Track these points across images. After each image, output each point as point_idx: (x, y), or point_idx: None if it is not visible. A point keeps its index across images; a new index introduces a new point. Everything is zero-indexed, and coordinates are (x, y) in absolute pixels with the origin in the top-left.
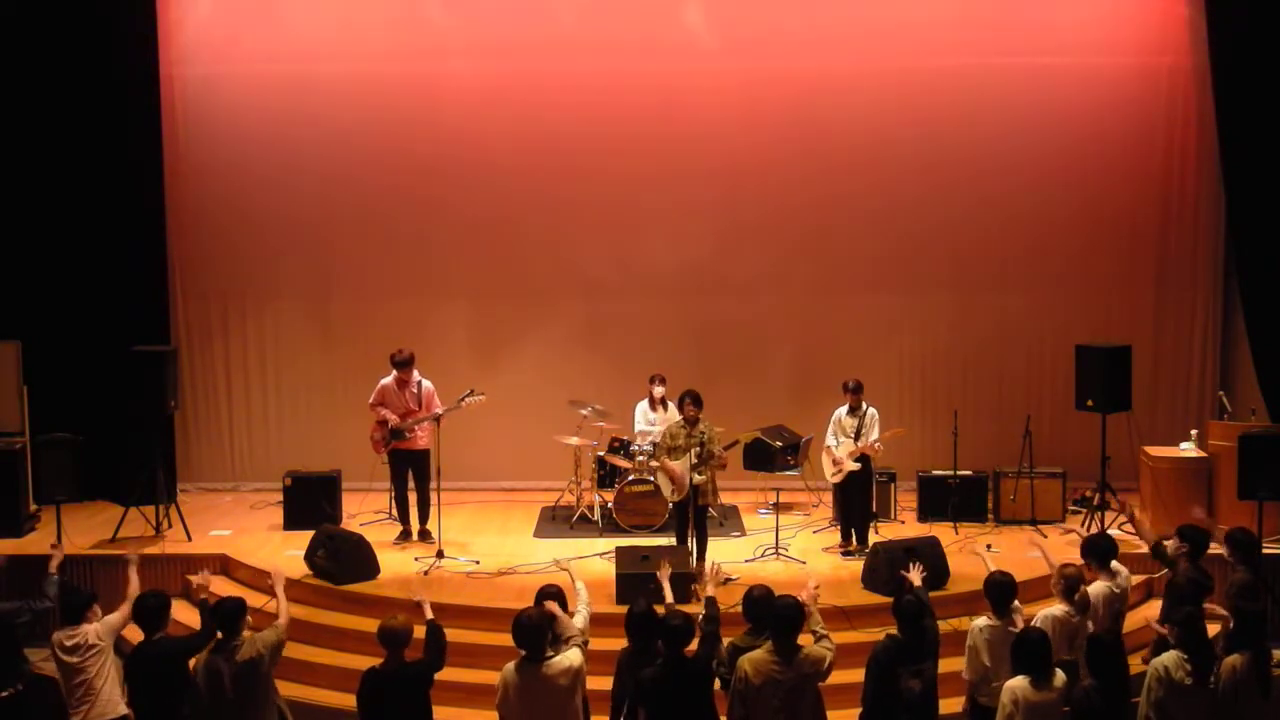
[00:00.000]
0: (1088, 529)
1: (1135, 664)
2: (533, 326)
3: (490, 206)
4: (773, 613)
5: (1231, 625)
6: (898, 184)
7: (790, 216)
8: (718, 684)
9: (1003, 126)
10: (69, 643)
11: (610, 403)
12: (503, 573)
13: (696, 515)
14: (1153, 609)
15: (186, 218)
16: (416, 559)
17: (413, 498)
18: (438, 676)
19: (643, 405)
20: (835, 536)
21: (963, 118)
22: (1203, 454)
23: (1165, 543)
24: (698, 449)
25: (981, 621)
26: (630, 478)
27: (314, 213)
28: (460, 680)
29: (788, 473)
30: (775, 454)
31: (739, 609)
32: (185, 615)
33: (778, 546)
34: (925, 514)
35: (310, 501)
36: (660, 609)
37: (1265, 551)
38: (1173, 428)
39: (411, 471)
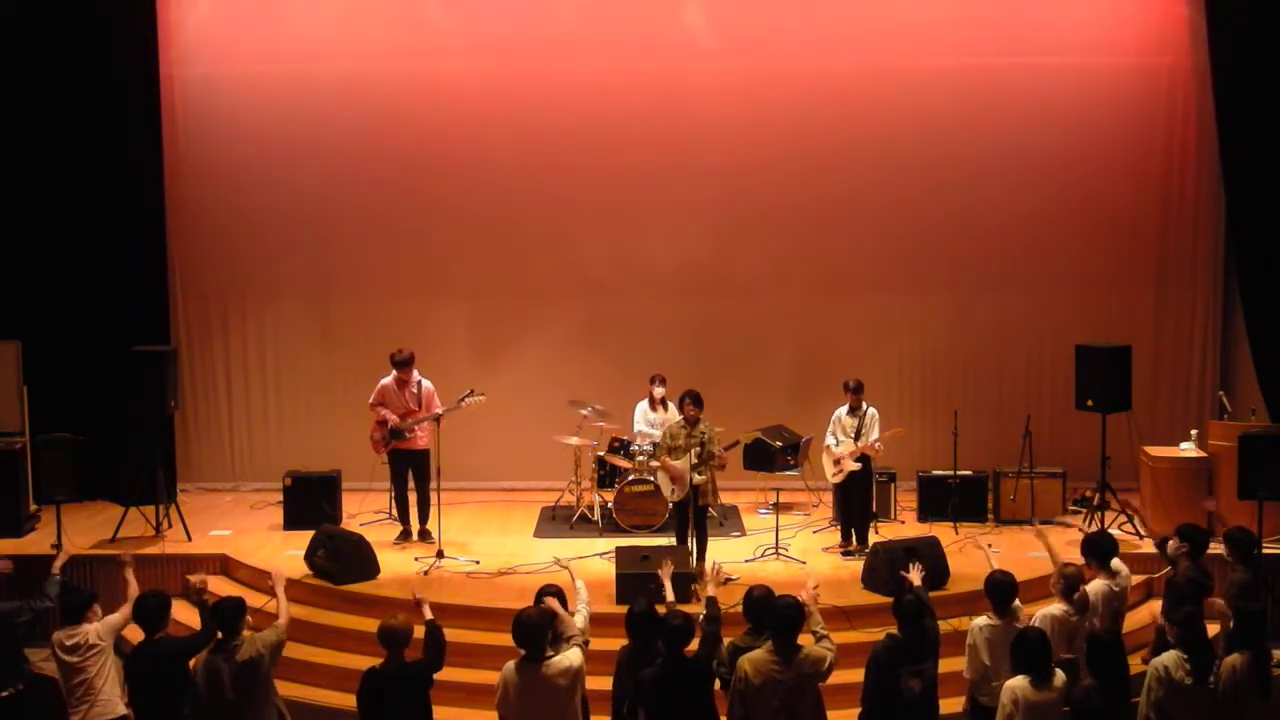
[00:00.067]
0: (1087, 529)
1: (1135, 664)
2: (533, 326)
3: (490, 206)
4: (773, 613)
5: (1231, 625)
6: (898, 184)
7: (790, 216)
8: (718, 684)
9: (1003, 126)
10: (69, 642)
11: (610, 403)
12: (503, 573)
13: (696, 515)
14: (1153, 609)
15: (186, 218)
16: (416, 559)
17: (413, 498)
18: (438, 676)
19: (643, 405)
20: (835, 536)
21: (963, 118)
22: (1203, 454)
23: (1167, 542)
24: (698, 449)
25: (982, 621)
26: (630, 478)
27: (314, 213)
28: (460, 680)
29: (788, 473)
30: (775, 454)
31: (739, 609)
32: (185, 615)
33: (778, 546)
34: (925, 514)
35: (310, 501)
36: (661, 609)
37: (1265, 551)
38: (1173, 428)
39: (411, 471)
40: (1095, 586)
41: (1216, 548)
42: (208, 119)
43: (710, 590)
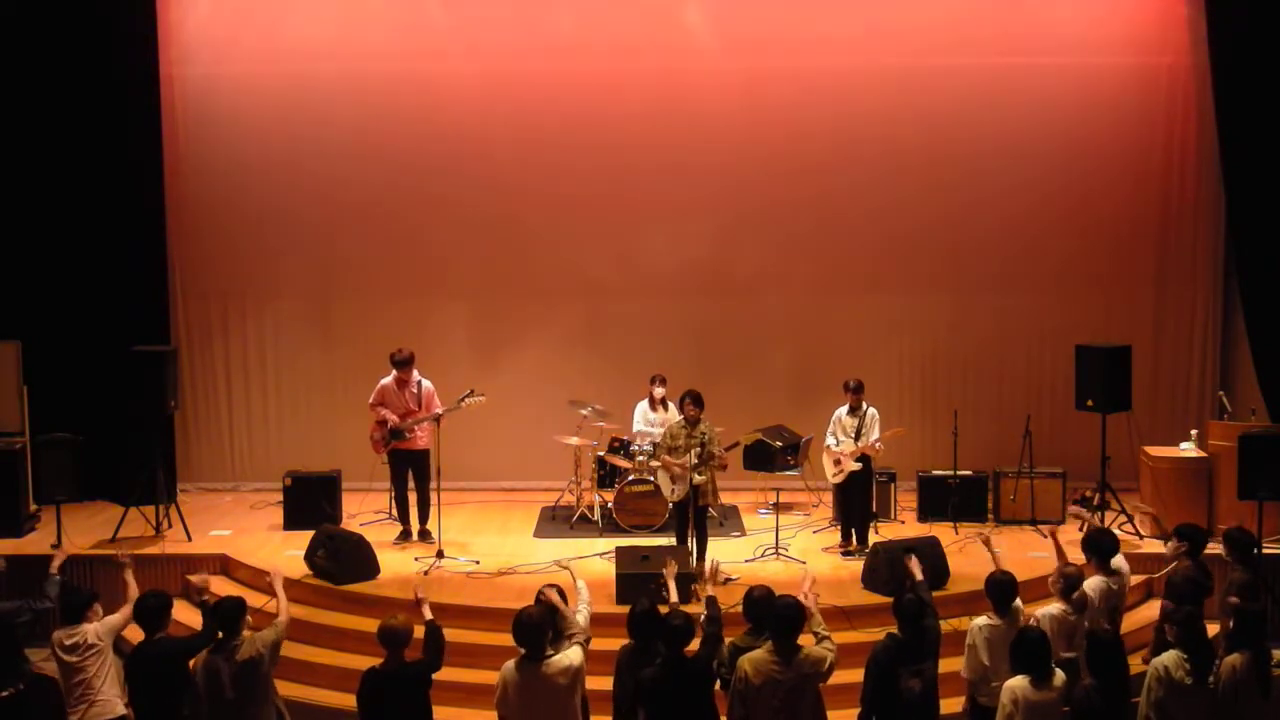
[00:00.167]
0: (1087, 529)
1: (1135, 664)
2: (533, 326)
3: (490, 206)
4: (773, 613)
5: (1231, 625)
6: (898, 184)
7: (790, 216)
8: (717, 684)
9: (1002, 126)
10: (68, 641)
11: (610, 403)
12: (503, 573)
13: (696, 515)
14: (1153, 609)
15: (186, 218)
16: (416, 559)
17: (413, 498)
18: (437, 676)
19: (643, 405)
20: (835, 536)
21: (963, 117)
22: (1203, 454)
23: (1165, 543)
24: (698, 449)
25: (982, 620)
26: (630, 478)
27: (314, 212)
28: (460, 680)
29: (788, 473)
30: (775, 454)
31: (739, 609)
32: (186, 615)
33: (778, 546)
34: (925, 514)
35: (310, 501)
36: (664, 609)
37: (1265, 551)
38: (1173, 428)
39: (411, 471)
40: (1093, 583)
41: (1215, 548)
42: (208, 119)
43: (709, 590)
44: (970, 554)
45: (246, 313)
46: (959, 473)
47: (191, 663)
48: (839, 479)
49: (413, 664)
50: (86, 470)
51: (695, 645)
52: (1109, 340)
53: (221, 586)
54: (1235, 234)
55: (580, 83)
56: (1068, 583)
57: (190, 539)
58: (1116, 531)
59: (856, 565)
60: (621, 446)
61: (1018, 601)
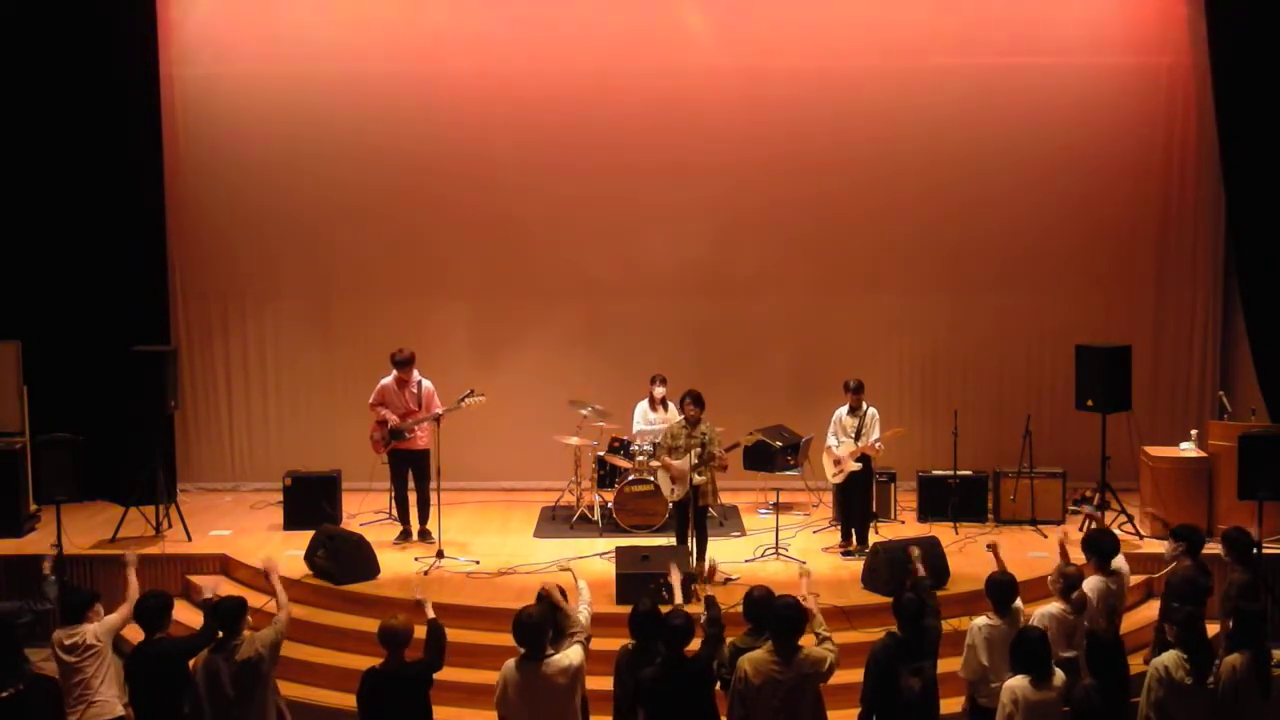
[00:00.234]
0: (1087, 529)
1: (1136, 664)
2: (533, 326)
3: (490, 206)
4: (773, 613)
5: (1231, 625)
6: (898, 184)
7: (790, 216)
8: (718, 684)
9: (1002, 126)
10: (68, 641)
11: (610, 403)
12: (503, 573)
13: (696, 515)
14: (1153, 609)
15: (186, 218)
16: (416, 559)
17: (413, 498)
18: (437, 676)
19: (642, 405)
20: (835, 536)
21: (963, 117)
22: (1203, 454)
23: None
24: (698, 449)
25: (982, 620)
26: (630, 478)
27: (314, 212)
28: (460, 680)
29: (788, 473)
30: (775, 454)
31: (739, 609)
32: (186, 615)
33: (778, 546)
34: (925, 514)
35: (310, 501)
36: (664, 609)
37: (1265, 551)
38: (1173, 428)
39: (411, 471)
40: (1092, 583)
41: (1213, 548)
42: (208, 119)
43: (707, 590)
44: (970, 554)
45: (246, 313)
46: (959, 473)
47: (191, 663)
48: (839, 479)
49: (413, 664)
50: (86, 470)
51: (695, 645)
52: (1109, 340)
53: (223, 586)
54: (1235, 234)
55: (580, 83)
56: (1067, 583)
57: (190, 539)
58: (1116, 532)
59: (856, 565)
60: (621, 446)
61: (1018, 602)
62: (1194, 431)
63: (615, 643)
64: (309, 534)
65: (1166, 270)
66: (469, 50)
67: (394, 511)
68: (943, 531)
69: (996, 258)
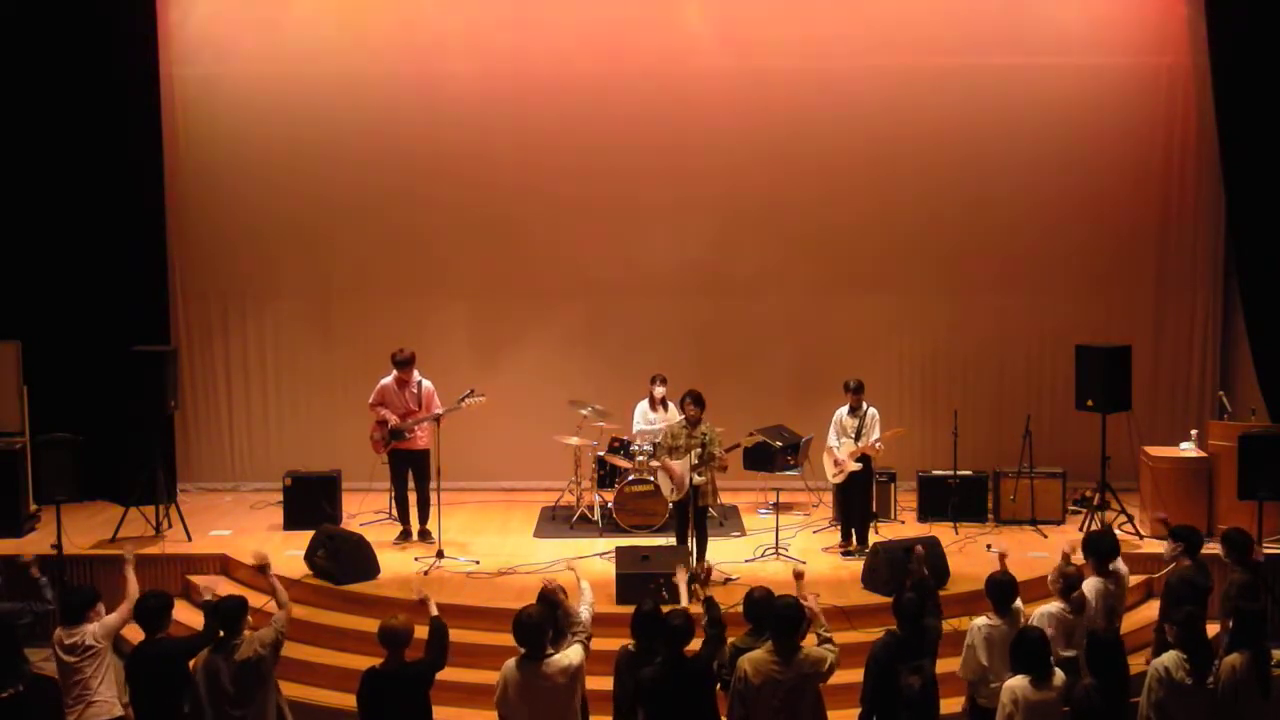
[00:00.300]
0: (1087, 529)
1: (1136, 664)
2: (533, 326)
3: (490, 206)
4: (773, 613)
5: (1231, 625)
6: (898, 184)
7: (790, 217)
8: (718, 684)
9: (1002, 126)
10: (68, 641)
11: (610, 403)
12: (503, 573)
13: (696, 515)
14: (1153, 609)
15: (186, 218)
16: (416, 559)
17: (413, 498)
18: (438, 676)
19: (643, 405)
20: (835, 536)
21: (963, 117)
22: (1203, 454)
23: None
24: (699, 450)
25: (981, 620)
26: (630, 478)
27: (314, 212)
28: (460, 680)
29: (788, 473)
30: (775, 454)
31: (739, 609)
32: (186, 615)
33: (778, 546)
34: (925, 514)
35: (310, 501)
36: (665, 609)
37: (1265, 551)
38: (1173, 428)
39: (411, 471)
40: (1091, 583)
41: (1212, 548)
42: (208, 119)
43: (704, 592)
44: (970, 554)
45: (246, 313)
46: (959, 473)
47: (192, 663)
48: (839, 479)
49: (413, 664)
50: (86, 470)
51: (695, 645)
52: (1109, 340)
53: (221, 587)
54: (1235, 234)
55: (580, 83)
56: (1067, 582)
57: (190, 539)
58: (1116, 531)
59: (856, 565)
60: (621, 446)
61: (1018, 602)
62: (1194, 431)
63: (615, 643)
64: (309, 534)
65: (1166, 270)
66: (469, 50)
67: (394, 511)
68: (943, 531)
69: (996, 258)
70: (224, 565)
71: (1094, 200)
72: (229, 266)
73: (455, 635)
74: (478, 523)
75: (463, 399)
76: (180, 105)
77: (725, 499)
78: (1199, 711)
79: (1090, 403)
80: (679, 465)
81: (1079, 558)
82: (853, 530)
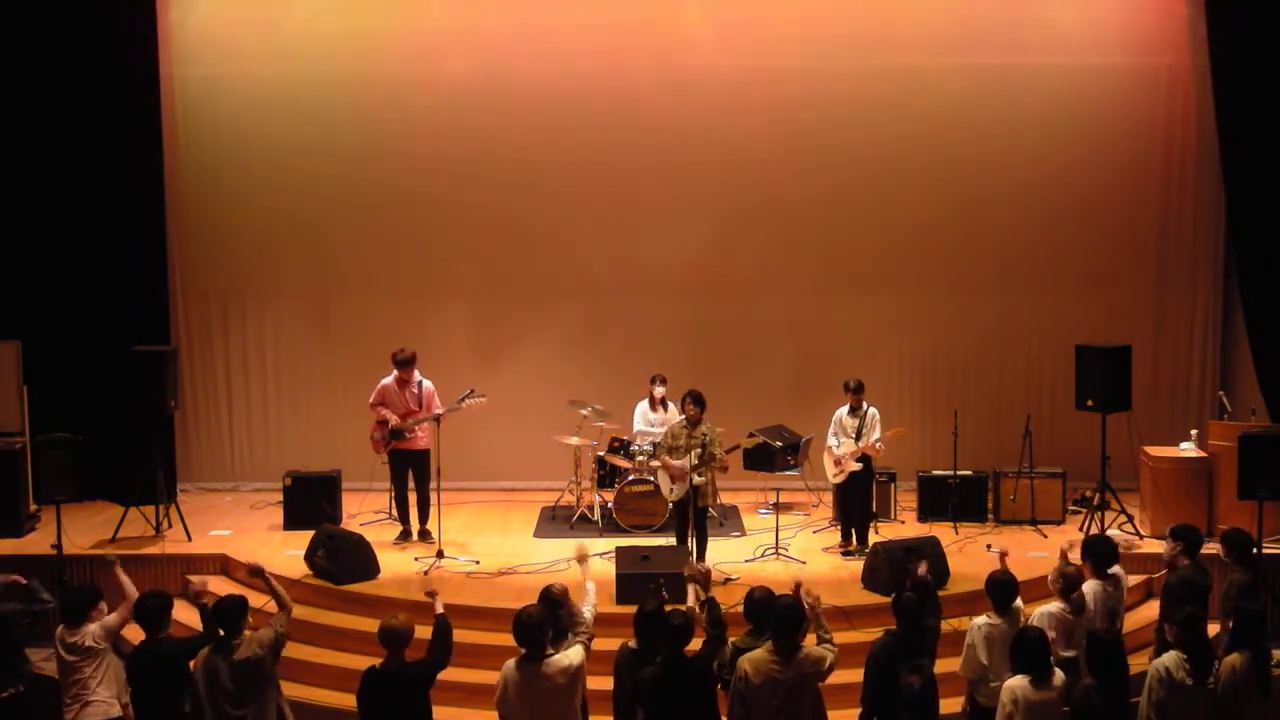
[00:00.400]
0: (1088, 529)
1: (1136, 664)
2: (533, 326)
3: (490, 206)
4: (773, 613)
5: (1231, 625)
6: (897, 184)
7: (790, 217)
8: (718, 684)
9: (1002, 126)
10: (69, 640)
11: (610, 403)
12: (503, 573)
13: (696, 515)
14: (1153, 609)
15: (186, 218)
16: (416, 559)
17: (413, 498)
18: (438, 676)
19: (642, 405)
20: (835, 536)
21: (962, 117)
22: (1203, 454)
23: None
24: (699, 450)
25: (981, 620)
26: (630, 478)
27: (314, 212)
28: (460, 680)
29: (788, 473)
30: (775, 454)
31: (739, 609)
32: (186, 615)
33: (778, 546)
34: (925, 514)
35: (310, 501)
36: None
37: (1265, 551)
38: (1173, 428)
39: (411, 471)
40: (1090, 586)
41: (1211, 548)
42: (208, 119)
43: (704, 593)
44: (970, 554)
45: (246, 313)
46: (959, 473)
47: (191, 662)
48: (839, 479)
49: (413, 664)
50: (86, 470)
51: (696, 645)
52: (1109, 340)
53: (221, 586)
54: (1235, 234)
55: (580, 83)
56: (1067, 583)
57: (190, 539)
58: (1114, 532)
59: (856, 565)
60: (621, 446)
61: (1018, 601)
62: (1194, 431)
63: (615, 643)
64: (309, 534)
65: (1166, 270)
66: (469, 51)
67: (394, 511)
68: (943, 531)
69: (996, 258)
70: (224, 565)
71: (1094, 200)
72: (229, 266)
73: (455, 635)
74: (478, 523)
75: (463, 399)
76: (180, 105)
77: (725, 499)
78: (1199, 712)
79: (1090, 403)
80: (679, 465)
81: (1076, 555)
82: (853, 530)
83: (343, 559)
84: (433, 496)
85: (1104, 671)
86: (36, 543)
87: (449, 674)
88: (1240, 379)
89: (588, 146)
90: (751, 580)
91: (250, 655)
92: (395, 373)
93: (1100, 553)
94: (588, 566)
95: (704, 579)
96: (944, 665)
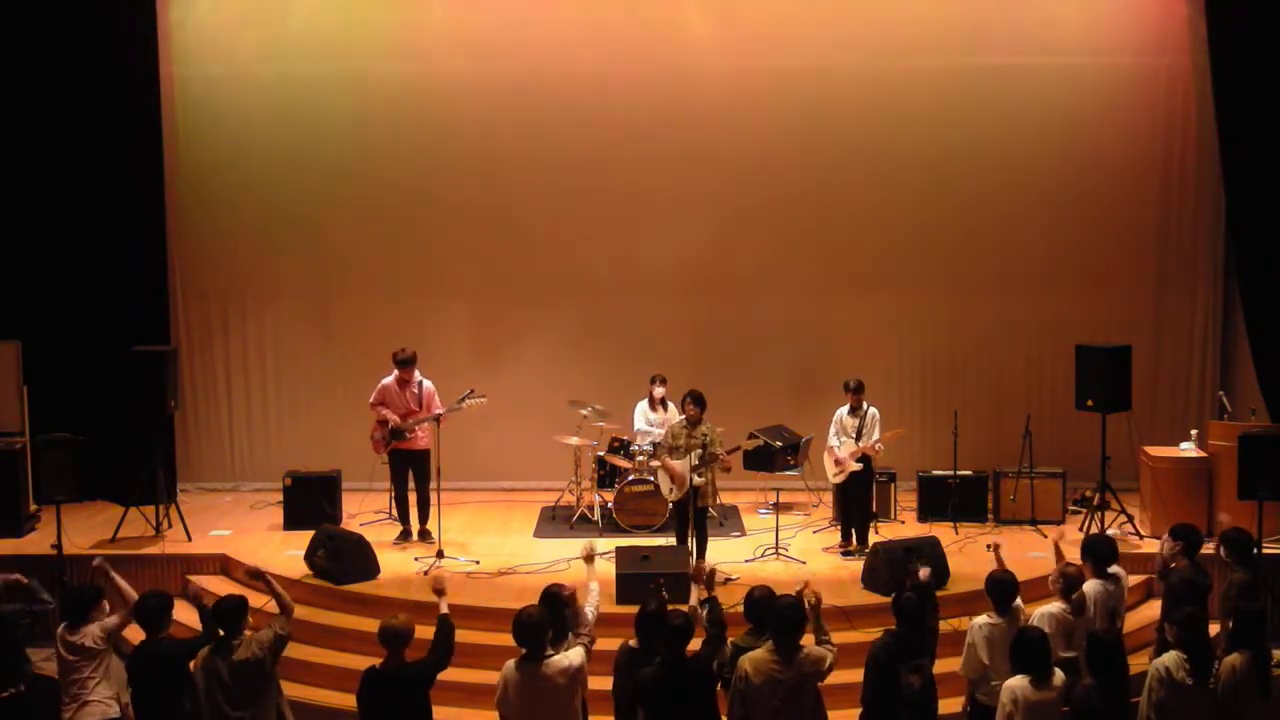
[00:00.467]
0: (1087, 529)
1: (1137, 664)
2: (533, 326)
3: (491, 206)
4: (774, 613)
5: (1231, 625)
6: (897, 184)
7: (790, 217)
8: (718, 684)
9: (1002, 126)
10: (70, 639)
11: (610, 403)
12: (503, 573)
13: (696, 515)
14: (1153, 609)
15: (186, 218)
16: (416, 559)
17: (413, 498)
18: (438, 676)
19: (642, 405)
20: (835, 536)
21: (962, 117)
22: (1203, 454)
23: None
24: (699, 450)
25: (982, 619)
26: (630, 478)
27: (314, 212)
28: (460, 680)
29: (788, 473)
30: (775, 454)
31: (739, 609)
32: (186, 615)
33: (778, 546)
34: (925, 514)
35: (310, 501)
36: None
37: (1265, 551)
38: (1173, 428)
39: (412, 471)
40: (1090, 586)
41: (1210, 548)
42: (208, 119)
43: (705, 593)
44: (970, 554)
45: (246, 313)
46: (959, 473)
47: (192, 663)
48: (840, 479)
49: (413, 664)
50: (86, 470)
51: (696, 645)
52: (1109, 340)
53: (222, 586)
54: (1235, 234)
55: (580, 82)
56: (1068, 583)
57: (190, 539)
58: (1114, 532)
59: (856, 565)
60: (621, 446)
61: (1018, 601)
62: (1194, 431)
63: (615, 642)
64: (309, 534)
65: (1166, 270)
66: (469, 51)
67: (394, 511)
68: (943, 531)
69: (996, 258)
70: (224, 565)
71: (1094, 200)
72: (229, 266)
73: (456, 635)
74: (478, 523)
75: (463, 399)
76: (180, 105)
77: (725, 499)
78: (1199, 712)
79: (1090, 403)
80: (679, 465)
81: (1065, 543)
82: (853, 530)
83: (343, 559)
84: (433, 496)
85: (1104, 671)
86: (36, 543)
87: (449, 674)
88: (1240, 379)
89: (588, 146)
90: (751, 580)
91: (249, 656)
92: (396, 372)
93: (1100, 552)
94: (594, 566)
95: (710, 578)
96: (944, 665)
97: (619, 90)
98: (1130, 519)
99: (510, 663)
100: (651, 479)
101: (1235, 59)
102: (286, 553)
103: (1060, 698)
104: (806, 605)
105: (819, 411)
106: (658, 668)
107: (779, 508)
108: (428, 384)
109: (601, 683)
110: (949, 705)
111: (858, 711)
